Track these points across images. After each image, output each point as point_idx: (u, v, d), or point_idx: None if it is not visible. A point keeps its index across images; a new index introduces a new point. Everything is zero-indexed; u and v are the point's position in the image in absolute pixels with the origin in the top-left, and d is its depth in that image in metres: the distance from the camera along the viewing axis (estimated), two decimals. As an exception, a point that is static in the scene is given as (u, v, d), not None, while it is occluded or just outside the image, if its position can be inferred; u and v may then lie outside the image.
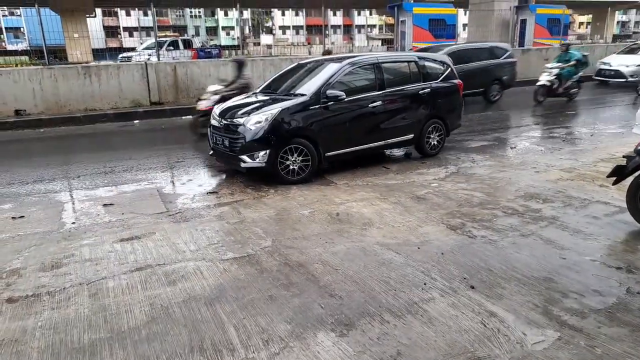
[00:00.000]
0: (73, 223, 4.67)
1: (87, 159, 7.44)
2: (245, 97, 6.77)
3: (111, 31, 59.98)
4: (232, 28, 67.26)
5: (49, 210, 5.13)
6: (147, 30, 60.35)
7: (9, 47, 53.36)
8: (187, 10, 59.81)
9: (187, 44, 24.07)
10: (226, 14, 66.24)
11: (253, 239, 4.12)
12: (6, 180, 6.38)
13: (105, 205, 5.21)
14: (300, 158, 5.85)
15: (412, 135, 6.81)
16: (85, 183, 6.22)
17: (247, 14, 56.11)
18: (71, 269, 3.58)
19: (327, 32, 16.54)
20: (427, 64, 7.13)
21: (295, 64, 7.21)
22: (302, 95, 6.01)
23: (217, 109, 6.51)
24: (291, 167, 5.83)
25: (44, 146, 8.85)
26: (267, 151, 5.72)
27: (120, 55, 20.85)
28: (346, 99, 6.05)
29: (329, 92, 5.91)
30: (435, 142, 7.09)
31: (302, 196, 5.37)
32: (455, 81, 7.32)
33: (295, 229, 4.32)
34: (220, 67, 13.04)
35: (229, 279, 3.38)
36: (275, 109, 5.82)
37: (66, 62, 22.17)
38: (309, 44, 45.28)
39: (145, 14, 59.53)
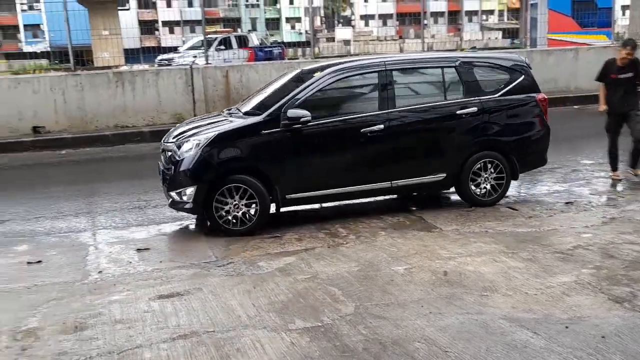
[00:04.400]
0: (100, 272, 4.99)
1: (117, 190, 7.98)
2: (214, 114, 6.80)
3: (147, 27, 64.64)
4: (299, 20, 69.82)
5: (70, 255, 5.53)
6: (192, 24, 64.44)
7: (27, 49, 59.49)
8: (242, -2, 63.28)
9: (242, 42, 25.34)
10: (291, 2, 69.16)
11: (329, 302, 4.15)
12: (21, 215, 6.99)
13: (139, 250, 5.53)
14: (244, 198, 5.77)
15: (444, 174, 6.36)
16: (115, 220, 6.65)
17: (318, 1, 58.21)
18: (98, 332, 3.80)
19: (425, 21, 16.66)
20: (477, 70, 6.64)
21: (298, 71, 6.96)
22: (256, 115, 6.04)
23: (178, 129, 6.57)
24: (232, 212, 5.77)
25: (65, 172, 9.63)
26: (195, 188, 5.71)
27: (159, 58, 22.36)
28: (327, 121, 5.99)
29: (290, 112, 5.78)
30: (489, 186, 6.47)
31: (394, 246, 5.35)
32: (532, 95, 6.68)
33: (386, 292, 4.30)
34: (285, 72, 13.52)
35: (299, 358, 3.41)
36: (211, 133, 5.89)
37: (92, 66, 24.17)
38: (400, 37, 45.83)
39: (190, 5, 63.82)
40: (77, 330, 3.83)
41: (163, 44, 60.39)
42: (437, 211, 6.47)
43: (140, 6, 62.08)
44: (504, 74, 6.73)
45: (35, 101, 12.11)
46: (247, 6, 68.48)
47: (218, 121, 6.35)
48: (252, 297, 4.28)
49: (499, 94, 6.58)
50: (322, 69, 6.46)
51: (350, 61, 6.74)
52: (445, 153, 6.37)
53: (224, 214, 5.75)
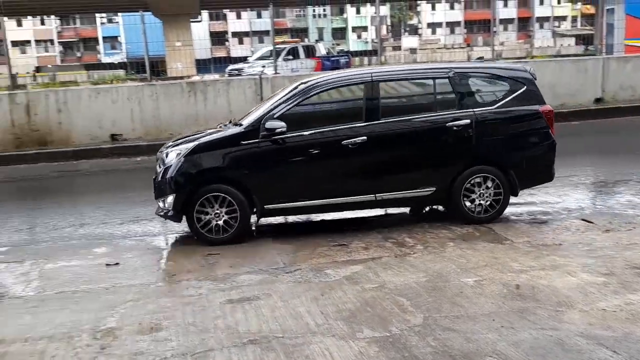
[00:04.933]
0: (174, 275, 5.15)
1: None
2: (219, 125, 6.89)
3: (218, 38, 66.50)
4: (365, 29, 69.98)
5: (146, 258, 5.75)
6: (260, 35, 65.75)
7: (105, 60, 62.40)
8: (310, 9, 64.03)
9: (309, 52, 25.66)
10: (358, 12, 69.38)
11: (397, 312, 4.12)
12: (100, 218, 7.33)
13: (209, 254, 5.67)
14: (224, 207, 5.86)
15: (433, 189, 6.16)
16: (186, 225, 6.85)
17: (385, 9, 58.13)
18: (172, 333, 3.92)
19: (494, 28, 16.31)
20: (473, 81, 6.44)
21: (298, 83, 6.67)
22: (238, 126, 6.16)
23: (175, 138, 6.80)
24: (214, 221, 5.87)
25: (141, 178, 9.96)
26: (174, 196, 5.88)
27: (229, 68, 22.92)
28: (306, 133, 5.96)
29: (268, 123, 5.85)
30: (486, 203, 6.20)
31: (463, 257, 5.26)
32: (535, 107, 6.35)
33: (455, 304, 4.23)
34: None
35: (367, 367, 3.40)
36: (191, 144, 6.06)
37: (166, 76, 25.00)
38: (468, 45, 45.11)
39: (259, 16, 65.09)
40: (153, 331, 3.97)
41: (232, 54, 61.98)
42: (507, 223, 6.31)
43: (211, 18, 63.89)
44: (503, 85, 6.45)
45: (114, 110, 12.68)
46: (314, 16, 69.22)
47: (210, 132, 6.47)
48: (320, 305, 4.31)
49: (496, 105, 6.32)
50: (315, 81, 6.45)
51: (338, 73, 6.78)
52: (433, 166, 6.20)
53: (205, 222, 5.90)
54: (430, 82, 6.39)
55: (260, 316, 4.13)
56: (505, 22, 66.61)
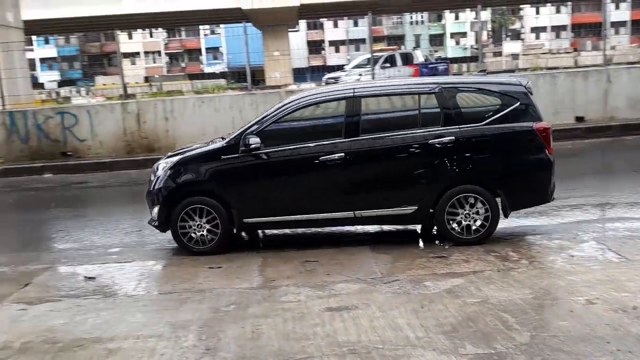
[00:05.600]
0: (273, 280, 5.27)
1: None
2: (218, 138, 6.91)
3: (315, 47, 67.60)
4: (464, 34, 68.64)
5: (246, 262, 5.91)
6: (356, 43, 66.18)
7: (207, 70, 65.21)
8: (407, 16, 63.67)
9: (407, 59, 25.49)
10: (456, 18, 68.17)
11: (501, 329, 3.98)
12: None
13: (307, 261, 5.74)
14: (206, 219, 6.02)
15: (415, 207, 5.96)
16: (277, 231, 6.99)
17: (485, 14, 56.71)
18: (273, 338, 4.00)
19: (605, 31, 15.47)
20: (462, 96, 6.14)
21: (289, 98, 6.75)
22: (222, 140, 6.31)
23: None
24: (197, 232, 6.05)
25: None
26: (158, 207, 6.12)
27: (326, 77, 23.23)
28: (284, 148, 6.01)
29: (246, 139, 5.94)
30: (473, 223, 5.93)
31: (573, 274, 5.01)
32: (528, 124, 5.98)
33: (565, 323, 4.02)
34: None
35: (470, 384, 3.31)
36: (176, 157, 6.33)
37: (265, 85, 25.73)
38: (575, 50, 43.02)
39: (356, 24, 65.56)
40: (255, 335, 4.06)
41: (329, 63, 62.80)
42: (622, 239, 5.94)
43: (308, 27, 65.10)
44: (494, 100, 6.14)
45: (216, 118, 13.19)
46: (411, 23, 68.77)
47: (199, 146, 6.67)
48: (419, 317, 4.24)
49: (485, 122, 6.02)
50: (301, 96, 6.50)
51: (323, 89, 6.76)
52: (415, 185, 6.00)
53: (188, 232, 6.08)
54: (415, 97, 6.23)
55: (359, 326, 4.13)
56: (617, 25, 62.90)
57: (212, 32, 66.51)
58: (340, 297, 4.73)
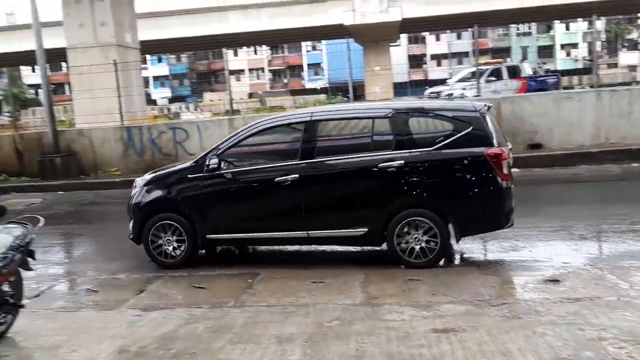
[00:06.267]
0: (376, 298, 5.25)
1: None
2: None
3: (416, 61, 67.12)
4: (575, 45, 65.57)
5: (348, 277, 5.92)
6: (459, 56, 65.06)
7: (308, 85, 66.59)
8: (513, 27, 61.74)
9: (513, 72, 24.65)
10: (567, 28, 65.26)
11: (623, 361, 3.72)
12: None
13: (409, 279, 5.67)
14: (175, 237, 6.40)
15: (365, 229, 6.06)
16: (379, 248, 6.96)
17: (599, 24, 53.87)
18: (377, 355, 3.98)
19: None
20: (415, 120, 6.21)
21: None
22: (192, 160, 6.67)
23: None
24: (165, 247, 6.43)
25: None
26: (132, 222, 6.55)
27: (428, 91, 23.00)
28: (243, 169, 6.39)
29: (208, 159, 6.30)
30: (422, 247, 5.94)
31: None
32: (479, 150, 5.88)
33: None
34: (563, 102, 12.78)
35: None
36: (149, 175, 6.84)
37: (364, 99, 25.83)
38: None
39: (459, 37, 64.52)
40: (358, 354, 4.06)
41: (430, 77, 62.19)
42: None
43: (410, 41, 64.80)
44: (446, 125, 6.15)
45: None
46: (518, 35, 66.55)
47: (176, 164, 7.17)
48: (531, 344, 4.05)
49: (435, 147, 6.02)
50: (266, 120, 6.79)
51: (283, 113, 7.33)
52: (365, 208, 6.11)
53: (160, 246, 6.47)
54: (369, 122, 6.33)
55: (467, 349, 4.01)
56: None
57: (314, 48, 67.94)
58: (446, 319, 4.62)
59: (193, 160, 6.60)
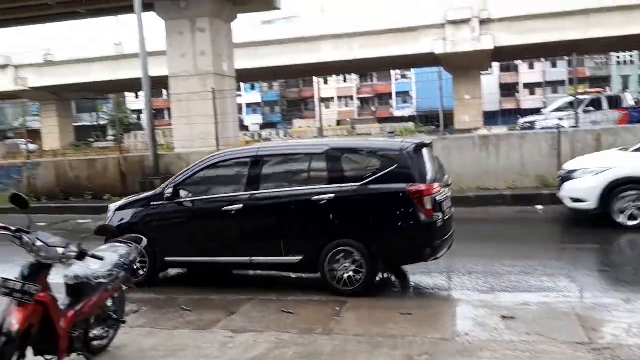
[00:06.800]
0: (466, 334, 5.09)
1: (478, 250, 8.15)
2: None
3: (507, 90, 65.54)
4: (683, 74, 61.72)
5: (436, 311, 5.82)
6: (554, 85, 62.90)
7: (397, 113, 66.53)
8: (614, 55, 59.05)
9: (614, 102, 23.51)
10: (675, 54, 61.57)
11: None
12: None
13: (504, 317, 5.47)
14: (139, 259, 6.84)
15: (300, 257, 6.49)
16: (478, 282, 6.78)
17: None
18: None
19: None
20: (347, 157, 6.75)
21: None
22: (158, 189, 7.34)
23: None
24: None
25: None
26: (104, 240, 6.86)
27: (522, 121, 22.35)
28: (197, 198, 6.97)
29: (166, 189, 7.02)
30: (350, 276, 6.33)
31: None
32: (401, 186, 6.23)
33: None
34: None
35: None
36: (120, 201, 7.60)
37: (453, 128, 25.50)
38: None
39: (554, 65, 62.43)
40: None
41: (523, 106, 60.46)
42: None
43: (502, 69, 63.45)
44: (375, 162, 6.58)
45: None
46: (618, 63, 63.53)
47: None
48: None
49: (362, 182, 6.40)
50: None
51: (234, 149, 8.12)
52: (300, 237, 6.52)
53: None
54: (308, 157, 6.83)
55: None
56: None
57: (403, 77, 67.96)
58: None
59: (155, 190, 7.47)
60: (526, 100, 63.39)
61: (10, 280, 3.68)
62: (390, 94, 70.92)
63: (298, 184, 6.73)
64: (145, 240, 5.31)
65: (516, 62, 60.84)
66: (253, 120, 70.88)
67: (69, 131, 46.30)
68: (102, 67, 40.46)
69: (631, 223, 8.74)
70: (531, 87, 66.02)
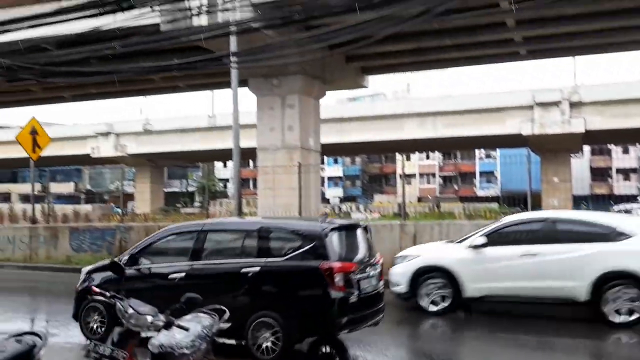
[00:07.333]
0: None
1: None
2: None
3: (599, 174, 62.96)
4: None
5: None
6: (651, 171, 59.71)
7: (480, 193, 65.14)
8: None
9: None
10: None
11: None
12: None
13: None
14: (99, 318, 7.64)
15: (229, 324, 6.47)
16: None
17: None
18: None
19: None
20: (275, 234, 7.44)
21: None
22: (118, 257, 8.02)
23: None
24: (92, 324, 7.77)
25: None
26: (74, 304, 7.78)
27: (617, 208, 21.27)
28: (147, 266, 7.67)
29: (125, 258, 7.75)
30: (270, 345, 6.74)
31: None
32: (315, 263, 6.80)
33: None
34: None
35: None
36: (92, 266, 8.53)
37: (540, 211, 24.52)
38: None
39: (650, 151, 59.56)
40: None
41: (616, 192, 57.66)
42: None
43: (593, 153, 61.32)
44: (296, 240, 7.13)
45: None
46: None
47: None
48: None
49: (283, 258, 7.02)
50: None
51: (183, 224, 9.13)
52: (231, 305, 6.41)
53: (87, 324, 7.84)
54: (244, 233, 7.65)
55: None
56: None
57: (488, 156, 66.94)
58: None
59: (119, 257, 8.11)
60: (620, 186, 60.52)
61: (100, 345, 3.82)
62: (473, 173, 69.74)
63: (232, 257, 7.50)
64: (227, 313, 5.36)
65: (609, 145, 58.70)
66: (334, 194, 71.51)
67: (159, 196, 48.61)
68: (196, 137, 42.62)
69: (433, 308, 9.37)
70: (625, 172, 63.06)
